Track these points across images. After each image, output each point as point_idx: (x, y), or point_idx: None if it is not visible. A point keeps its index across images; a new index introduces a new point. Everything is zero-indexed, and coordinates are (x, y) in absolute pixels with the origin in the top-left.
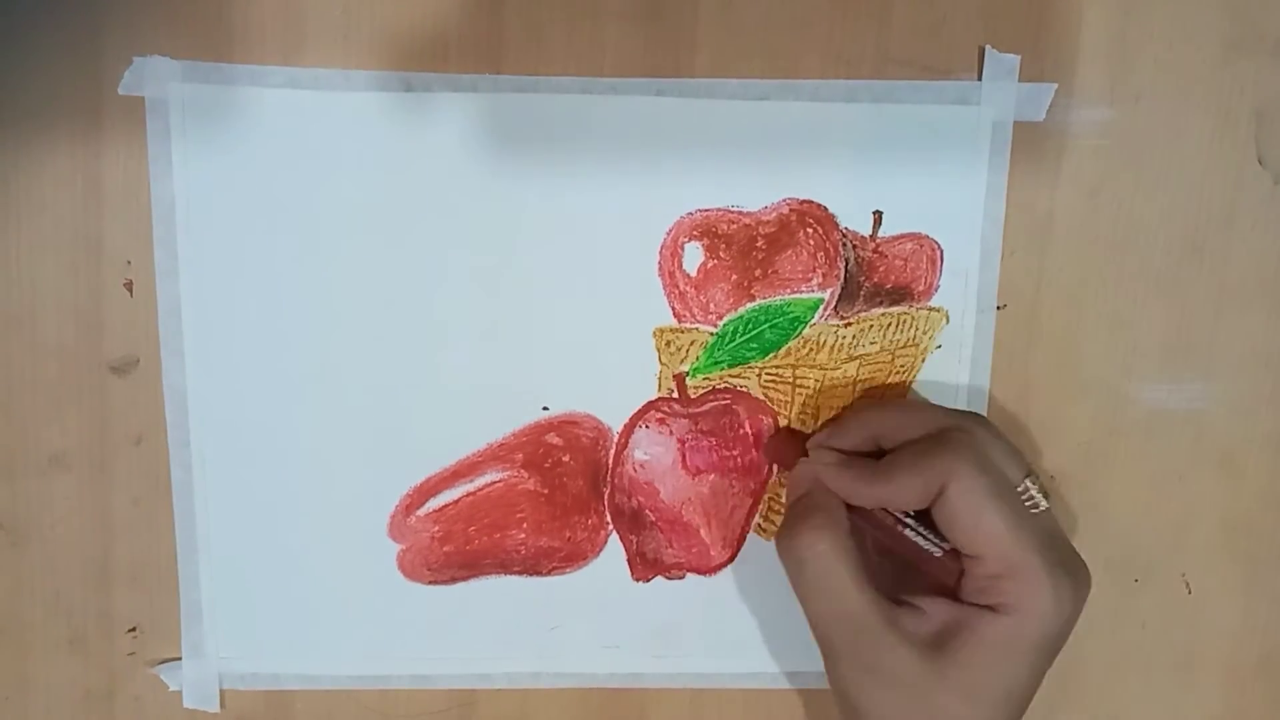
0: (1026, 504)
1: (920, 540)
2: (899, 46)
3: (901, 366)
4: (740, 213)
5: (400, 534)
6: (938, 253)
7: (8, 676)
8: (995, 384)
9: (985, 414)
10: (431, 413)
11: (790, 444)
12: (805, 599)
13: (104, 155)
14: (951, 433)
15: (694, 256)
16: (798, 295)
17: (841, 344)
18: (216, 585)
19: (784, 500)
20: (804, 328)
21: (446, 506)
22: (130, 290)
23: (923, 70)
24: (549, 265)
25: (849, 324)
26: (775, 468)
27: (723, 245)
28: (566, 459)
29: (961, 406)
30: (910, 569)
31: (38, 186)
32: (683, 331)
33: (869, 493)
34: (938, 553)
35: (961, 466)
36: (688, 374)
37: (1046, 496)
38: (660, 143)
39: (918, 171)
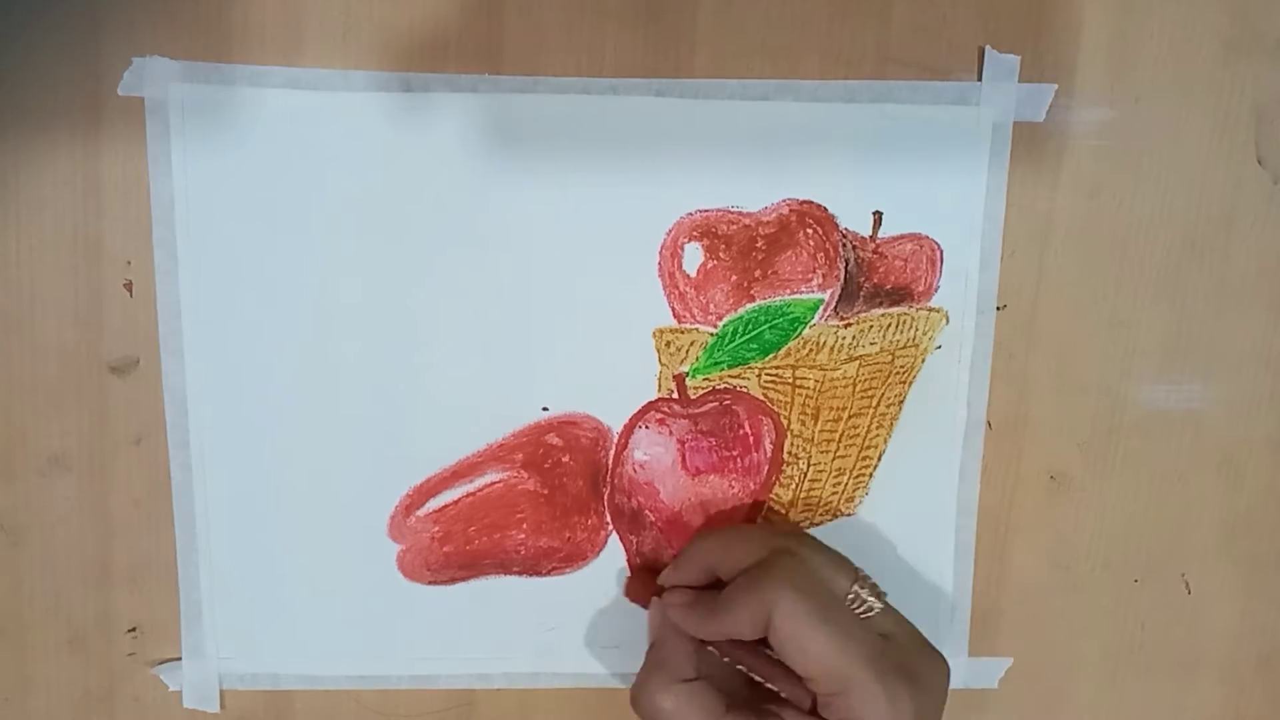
0: (859, 609)
1: (759, 676)
2: (899, 47)
3: (901, 367)
4: (740, 213)
5: (400, 534)
6: (937, 253)
7: (8, 676)
8: (995, 384)
9: (985, 415)
10: (431, 413)
11: (647, 583)
12: None
13: (104, 155)
14: (773, 558)
15: (694, 257)
16: (797, 296)
17: (841, 344)
18: (216, 585)
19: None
20: (804, 328)
21: (446, 507)
22: (130, 290)
23: (922, 70)
24: (549, 265)
25: (849, 324)
26: (773, 470)
27: (722, 246)
28: (566, 459)
29: (961, 407)
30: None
31: (37, 186)
32: (682, 332)
33: (712, 628)
34: (776, 687)
35: (782, 593)
36: (687, 374)
37: (881, 595)
38: (660, 143)
39: (917, 172)
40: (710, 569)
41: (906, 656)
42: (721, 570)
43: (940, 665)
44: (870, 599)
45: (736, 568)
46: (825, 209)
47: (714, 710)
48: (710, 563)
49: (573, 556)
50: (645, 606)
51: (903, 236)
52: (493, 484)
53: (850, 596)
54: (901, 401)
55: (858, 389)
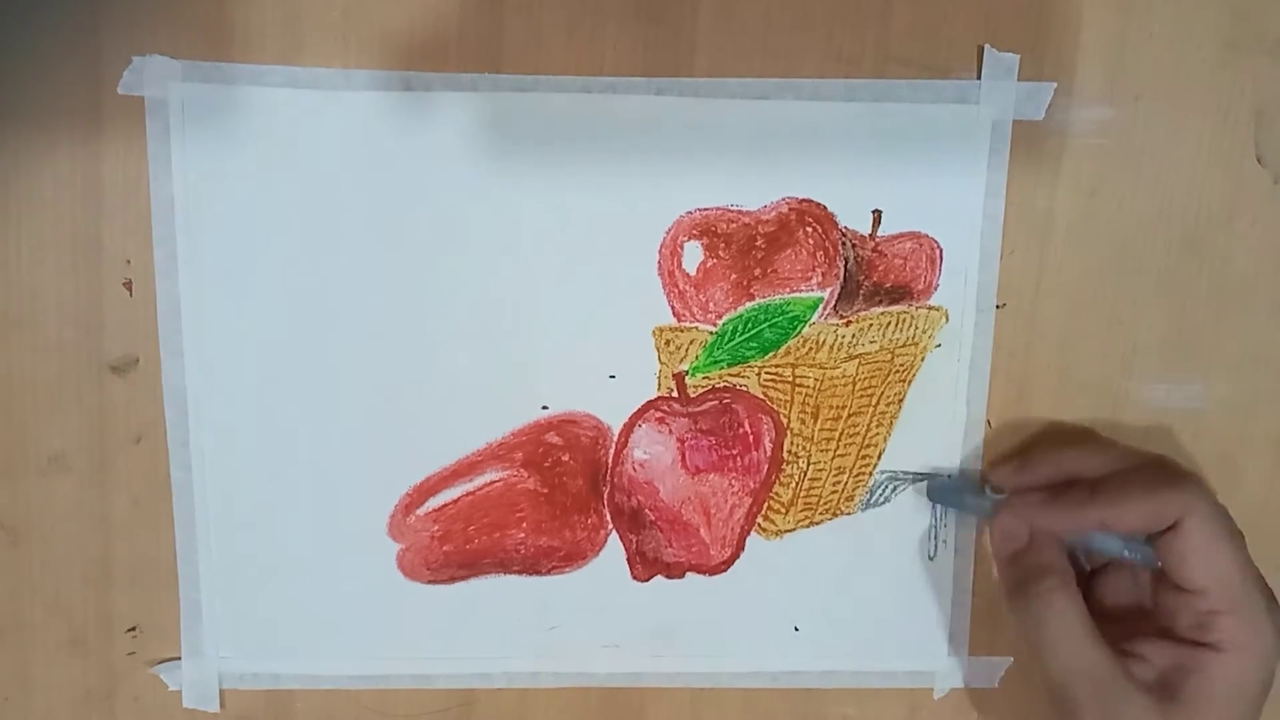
0: None
1: (1125, 556)
2: (899, 46)
3: (901, 365)
4: (740, 212)
5: (400, 533)
6: (937, 252)
7: (8, 676)
8: (995, 384)
9: (984, 413)
10: (431, 412)
11: (957, 485)
12: (1046, 657)
13: (104, 155)
14: (1176, 468)
15: (693, 255)
16: (797, 294)
17: (841, 343)
18: (216, 585)
19: (991, 553)
20: (803, 327)
21: (446, 506)
22: (130, 290)
23: (922, 69)
24: (548, 264)
25: (848, 323)
26: (772, 469)
27: (722, 244)
28: (566, 458)
29: (961, 406)
30: (1114, 614)
31: (37, 186)
32: (682, 330)
33: (1090, 516)
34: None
35: (1200, 503)
36: (687, 373)
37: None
38: (660, 142)
39: (917, 170)
40: (1067, 473)
41: (1270, 590)
42: (1089, 470)
43: None
44: None
45: (1112, 468)
46: (825, 207)
47: (1093, 624)
48: (1071, 466)
49: (573, 555)
50: (959, 508)
51: (902, 235)
52: (492, 483)
53: None
54: (901, 400)
55: (857, 387)
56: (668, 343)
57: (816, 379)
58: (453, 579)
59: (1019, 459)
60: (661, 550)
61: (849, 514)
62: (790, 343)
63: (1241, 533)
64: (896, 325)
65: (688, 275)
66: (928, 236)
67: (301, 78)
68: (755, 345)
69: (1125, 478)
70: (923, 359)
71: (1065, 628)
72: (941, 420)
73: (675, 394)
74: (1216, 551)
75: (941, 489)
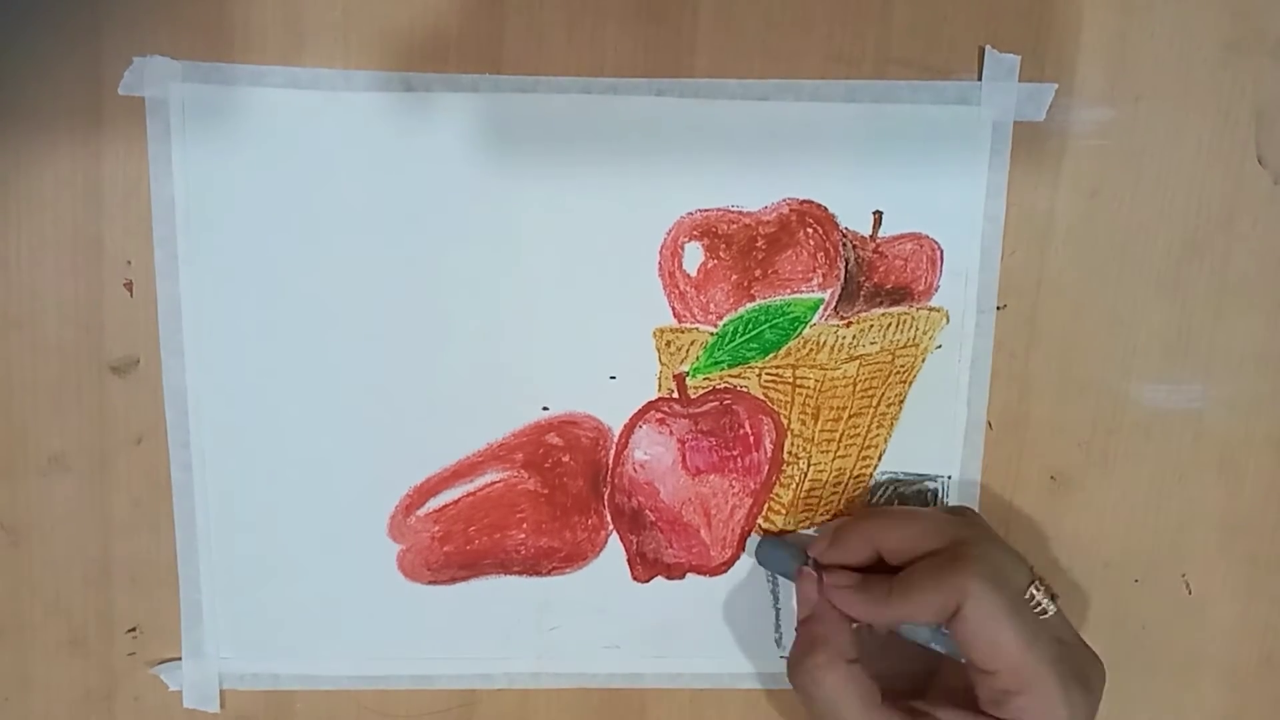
0: (1035, 610)
1: (933, 646)
2: (899, 46)
3: (902, 366)
4: (740, 213)
5: (400, 534)
6: (938, 253)
7: (8, 676)
8: (995, 384)
9: (985, 414)
10: (431, 413)
11: (782, 550)
12: None
13: (104, 155)
14: (962, 546)
15: (694, 256)
16: (798, 295)
17: (842, 344)
18: (216, 585)
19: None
20: (804, 328)
21: (446, 506)
22: (130, 290)
23: (923, 70)
24: (549, 265)
25: (849, 324)
26: (773, 470)
27: (723, 245)
28: (566, 459)
29: (961, 407)
30: (920, 675)
31: (38, 186)
32: (683, 331)
33: (885, 613)
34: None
35: (977, 585)
36: (688, 374)
37: (1054, 599)
38: (660, 143)
39: (918, 172)
40: (876, 549)
41: (1078, 660)
42: (889, 552)
43: (1101, 670)
44: (1045, 600)
45: (909, 551)
46: (825, 208)
47: (871, 697)
48: (878, 543)
49: (573, 556)
50: (780, 573)
51: (903, 236)
52: (493, 484)
53: (1028, 596)
54: (902, 401)
55: (858, 388)
56: (668, 344)
57: (817, 380)
58: (453, 580)
59: (834, 532)
60: (662, 551)
61: (849, 515)
62: (791, 344)
63: (1024, 606)
64: (897, 326)
65: (688, 276)
66: (928, 238)
67: (302, 78)
68: (756, 346)
69: (915, 570)
70: (923, 360)
71: (833, 701)
72: (942, 421)
73: (676, 395)
74: (997, 633)
75: (766, 551)
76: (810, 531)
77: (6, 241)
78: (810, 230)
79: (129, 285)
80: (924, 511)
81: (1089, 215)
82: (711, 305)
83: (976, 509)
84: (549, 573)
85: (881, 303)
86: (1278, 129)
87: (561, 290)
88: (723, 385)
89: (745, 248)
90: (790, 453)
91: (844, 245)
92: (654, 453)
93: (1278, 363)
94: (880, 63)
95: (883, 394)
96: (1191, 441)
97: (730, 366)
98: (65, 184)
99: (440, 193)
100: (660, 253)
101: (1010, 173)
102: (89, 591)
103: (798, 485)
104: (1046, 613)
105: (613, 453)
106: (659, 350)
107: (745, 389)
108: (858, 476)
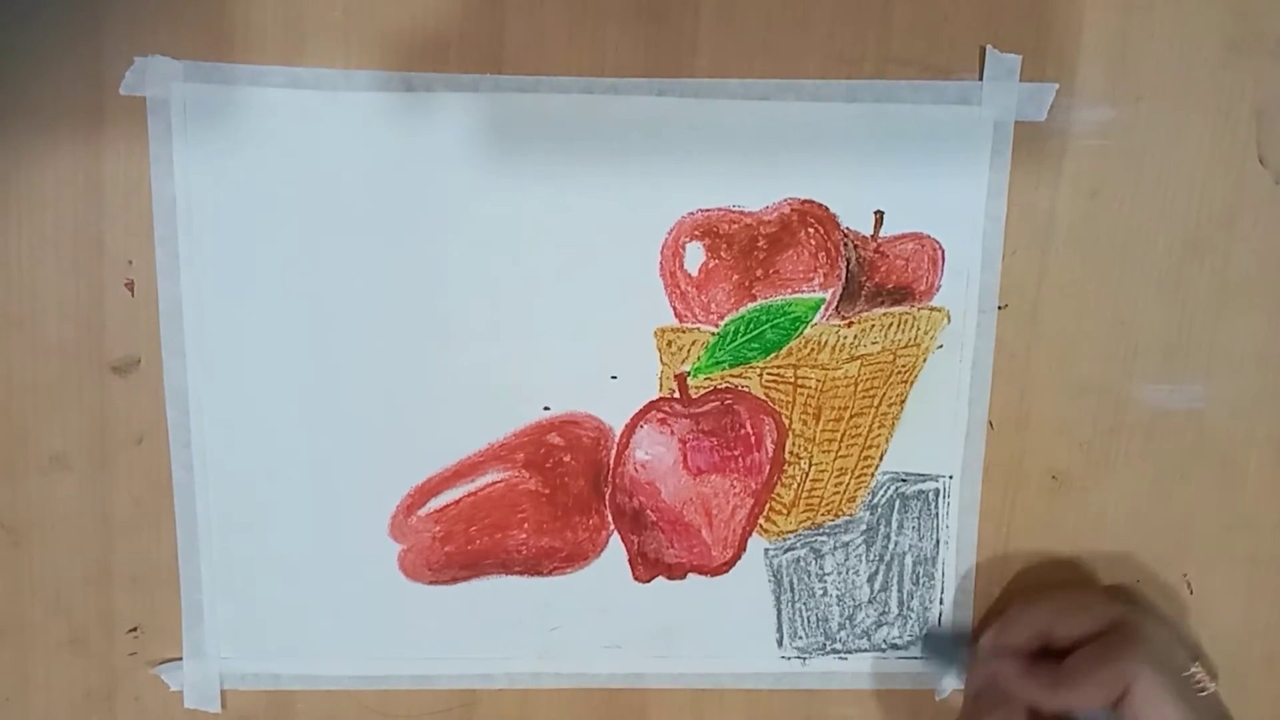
0: (1196, 688)
1: None
2: (900, 46)
3: (903, 366)
4: (741, 212)
5: (401, 534)
6: (939, 253)
7: (8, 676)
8: (996, 384)
9: (986, 414)
10: (433, 412)
11: (953, 644)
12: None
13: (105, 155)
14: (1127, 629)
15: (695, 256)
16: (799, 295)
17: (843, 344)
18: (217, 585)
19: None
20: (805, 328)
21: (448, 506)
22: (131, 290)
23: (924, 70)
24: (550, 265)
25: (850, 324)
26: (774, 470)
27: (724, 245)
28: (568, 459)
29: (963, 407)
30: None
31: (39, 186)
32: (684, 331)
33: (1058, 699)
34: None
35: (1144, 669)
36: (689, 374)
37: (1214, 678)
38: (661, 143)
39: (919, 171)
40: (1042, 634)
41: None
42: (1056, 636)
43: None
44: (1205, 680)
45: (1074, 635)
46: (827, 208)
47: None
48: (1046, 628)
49: (574, 556)
50: (949, 664)
51: (904, 236)
52: (494, 483)
53: (1188, 674)
54: (903, 401)
55: (859, 388)
56: (669, 343)
57: (818, 380)
58: (454, 580)
59: (1002, 619)
60: (663, 551)
61: (850, 515)
62: (792, 344)
63: (1188, 687)
64: (898, 326)
65: (690, 276)
66: (929, 237)
67: (303, 78)
68: (757, 346)
69: (1081, 655)
70: (925, 360)
71: None
72: (943, 421)
73: (677, 395)
74: (1165, 714)
75: (934, 646)
76: (966, 622)
77: (7, 241)
78: (811, 230)
79: (130, 285)
80: (1086, 596)
81: (1090, 215)
82: (713, 305)
83: (976, 509)
84: (550, 573)
85: (883, 302)
86: (1278, 129)
87: (563, 290)
88: (724, 385)
89: (746, 247)
90: (792, 453)
91: (845, 245)
92: (655, 452)
93: (1278, 363)
94: (881, 62)
95: (884, 394)
96: (1192, 441)
97: (731, 366)
98: (66, 183)
99: (441, 193)
100: (661, 252)
101: (1011, 172)
102: (89, 591)
103: (799, 485)
104: (1206, 690)
105: (614, 452)
106: (660, 350)
107: (747, 389)
108: (859, 476)
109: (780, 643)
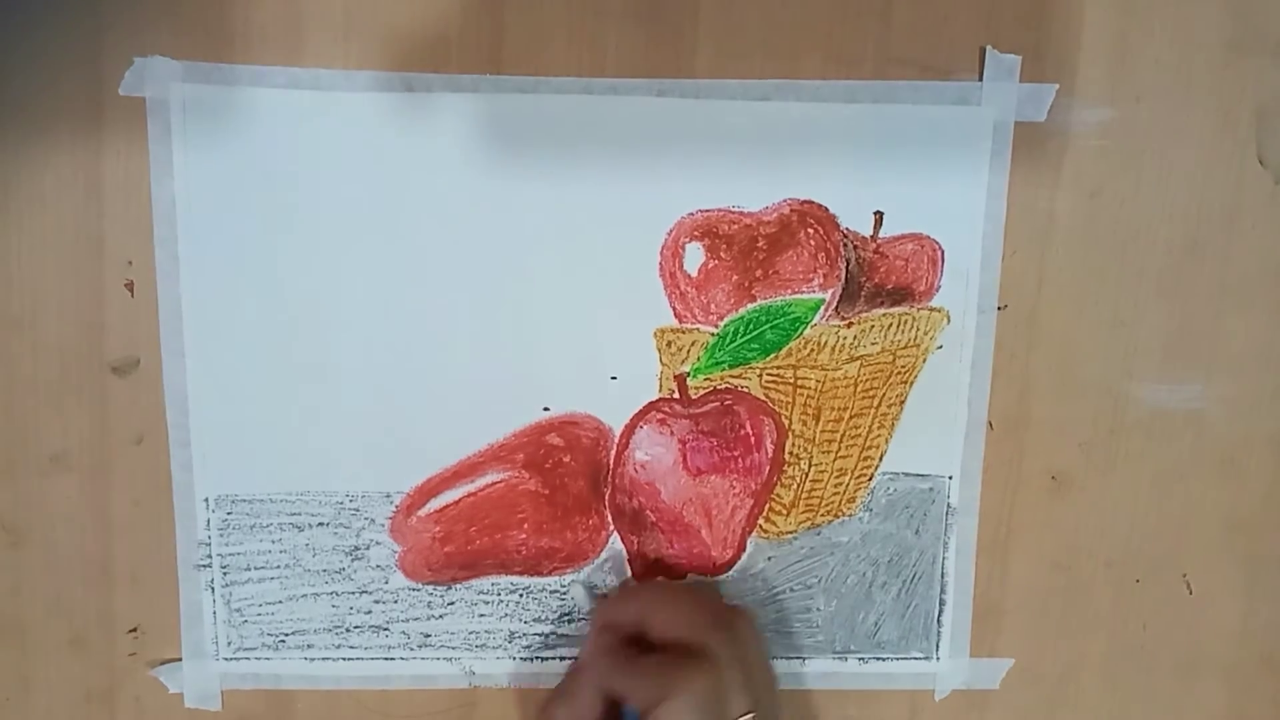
0: None
1: None
2: (900, 47)
3: (902, 367)
4: (741, 213)
5: (401, 534)
6: (939, 253)
7: (8, 676)
8: (996, 384)
9: (986, 415)
10: (432, 413)
11: (588, 595)
12: None
13: (105, 155)
14: (698, 655)
15: (695, 257)
16: (799, 296)
17: (843, 344)
18: (217, 585)
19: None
20: (805, 328)
21: (447, 507)
22: (131, 290)
23: (923, 70)
24: (550, 265)
25: (850, 324)
26: (774, 470)
27: (723, 245)
28: (567, 459)
29: (962, 407)
30: None
31: (39, 186)
32: (684, 332)
33: (606, 679)
34: None
35: (677, 700)
36: (689, 374)
37: None
38: (661, 143)
39: (918, 172)
40: (643, 620)
41: None
42: (649, 627)
43: None
44: None
45: (666, 635)
46: (826, 209)
47: None
48: (644, 614)
49: (574, 556)
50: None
51: (904, 236)
52: (494, 484)
53: None
54: (903, 401)
55: (859, 389)
56: (669, 344)
57: (818, 380)
58: (454, 580)
59: (612, 597)
60: (663, 551)
61: (850, 515)
62: (792, 344)
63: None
64: (898, 327)
65: (689, 276)
66: (929, 238)
67: (302, 79)
68: (757, 347)
69: (653, 660)
70: (924, 360)
71: None
72: (943, 422)
73: (677, 395)
74: None
75: (580, 592)
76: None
77: (7, 241)
78: (811, 230)
79: (130, 285)
80: (696, 594)
81: (1089, 215)
82: (712, 306)
83: (976, 509)
84: (550, 573)
85: (882, 303)
86: (1278, 129)
87: (562, 290)
88: (724, 386)
89: (746, 248)
90: (791, 453)
91: (845, 245)
92: (655, 453)
93: (1278, 363)
94: (881, 63)
95: (884, 394)
96: (1192, 441)
97: (731, 367)
98: (66, 184)
99: (441, 193)
100: (661, 253)
101: (1011, 173)
102: (89, 591)
103: (799, 486)
104: None
105: (613, 453)
106: (660, 350)
107: (746, 389)
108: (859, 477)
109: (780, 643)
